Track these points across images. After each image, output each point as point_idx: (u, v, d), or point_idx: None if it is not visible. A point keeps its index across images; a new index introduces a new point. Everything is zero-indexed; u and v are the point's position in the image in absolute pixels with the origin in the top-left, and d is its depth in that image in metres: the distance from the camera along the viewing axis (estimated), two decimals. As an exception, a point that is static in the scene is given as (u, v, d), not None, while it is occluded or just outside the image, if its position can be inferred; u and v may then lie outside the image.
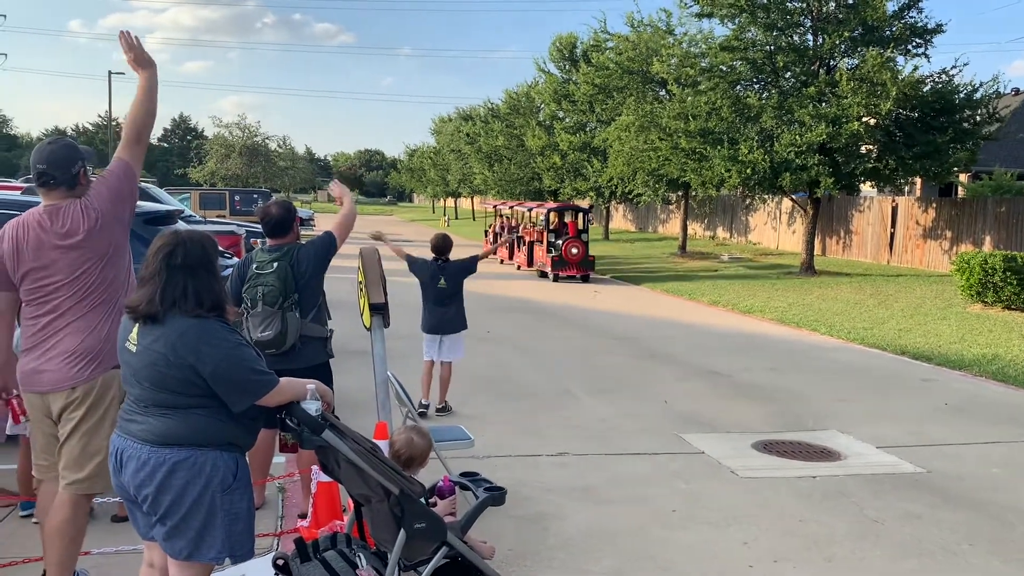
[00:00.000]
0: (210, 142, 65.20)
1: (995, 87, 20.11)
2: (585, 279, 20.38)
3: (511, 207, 27.30)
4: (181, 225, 7.34)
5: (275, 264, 4.76)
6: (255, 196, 30.41)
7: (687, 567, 4.54)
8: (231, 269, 5.07)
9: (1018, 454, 6.72)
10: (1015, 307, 14.77)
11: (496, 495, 3.55)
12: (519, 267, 23.28)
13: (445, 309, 7.64)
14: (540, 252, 21.53)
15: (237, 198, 29.98)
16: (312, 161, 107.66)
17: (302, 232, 5.73)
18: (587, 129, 32.46)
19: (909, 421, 7.67)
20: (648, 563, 4.57)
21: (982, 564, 4.63)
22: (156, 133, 64.05)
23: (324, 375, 4.80)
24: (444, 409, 7.58)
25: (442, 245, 7.69)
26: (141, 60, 3.97)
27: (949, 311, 14.94)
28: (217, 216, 25.28)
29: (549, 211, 21.73)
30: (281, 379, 3.07)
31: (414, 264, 7.68)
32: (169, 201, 16.73)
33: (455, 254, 7.82)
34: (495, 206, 29.65)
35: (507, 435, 6.94)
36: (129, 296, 3.33)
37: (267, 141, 65.53)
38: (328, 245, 4.88)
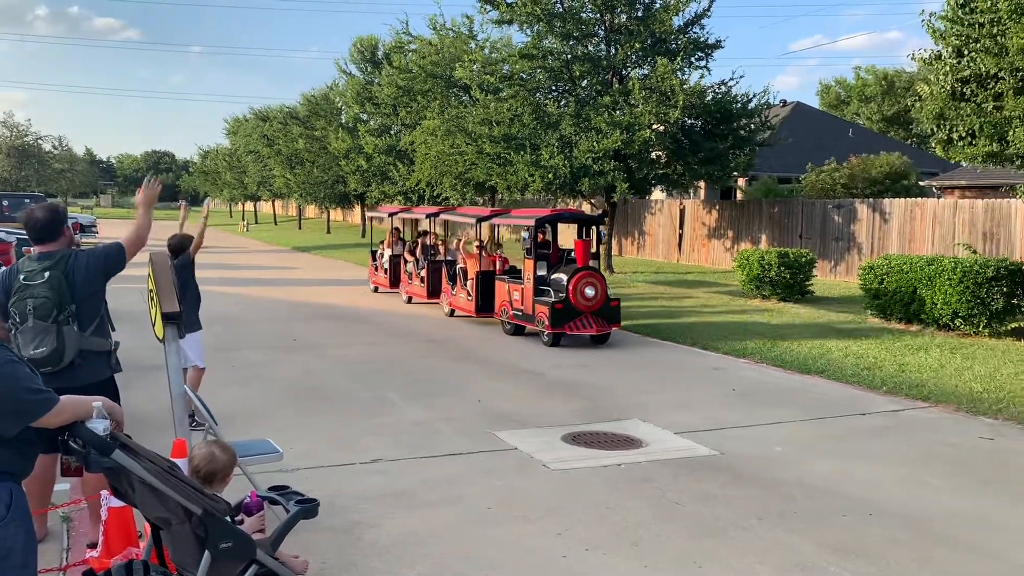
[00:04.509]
0: (-28, 142, 58.99)
1: (766, 98, 22.05)
2: (603, 339, 11.77)
3: (429, 216, 16.86)
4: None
5: (46, 274, 4.31)
6: (27, 201, 27.77)
7: (503, 563, 4.59)
8: None
9: (797, 433, 7.37)
10: (789, 299, 16.23)
11: (308, 508, 3.42)
12: (453, 312, 14.66)
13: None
14: (512, 293, 12.51)
15: (6, 203, 27.30)
16: (93, 163, 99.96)
17: (85, 240, 5.26)
18: (392, 132, 32.27)
19: (703, 407, 8.20)
20: (464, 563, 4.58)
21: (770, 536, 5.02)
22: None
23: (110, 391, 4.44)
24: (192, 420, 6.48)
25: (176, 245, 7.38)
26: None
27: (732, 304, 16.18)
28: (-18, 223, 22.83)
29: (538, 223, 12.53)
30: (62, 398, 2.79)
31: None
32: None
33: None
34: (393, 214, 18.60)
35: (319, 445, 6.74)
36: None
37: (40, 141, 60.33)
38: (114, 255, 4.53)
